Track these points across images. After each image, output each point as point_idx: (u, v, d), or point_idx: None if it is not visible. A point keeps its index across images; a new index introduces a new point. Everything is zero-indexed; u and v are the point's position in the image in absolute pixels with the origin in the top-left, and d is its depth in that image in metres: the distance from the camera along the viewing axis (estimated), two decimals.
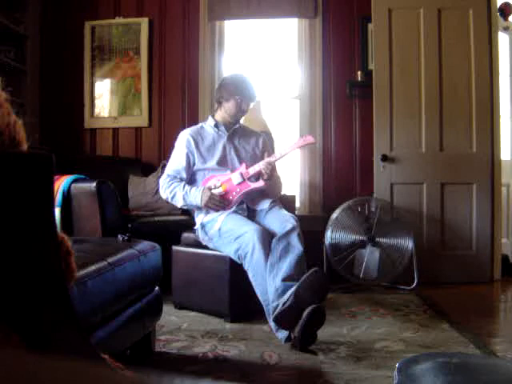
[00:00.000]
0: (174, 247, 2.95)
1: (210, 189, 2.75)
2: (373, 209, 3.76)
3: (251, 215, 2.80)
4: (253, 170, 2.79)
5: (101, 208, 2.94)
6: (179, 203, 2.81)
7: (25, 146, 0.93)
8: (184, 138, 2.93)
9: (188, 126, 4.42)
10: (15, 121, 0.90)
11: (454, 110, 3.87)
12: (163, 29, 4.37)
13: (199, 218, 2.85)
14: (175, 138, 4.38)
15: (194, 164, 2.88)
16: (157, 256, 2.08)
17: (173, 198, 2.81)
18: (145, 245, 2.03)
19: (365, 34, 4.18)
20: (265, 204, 2.83)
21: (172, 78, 4.36)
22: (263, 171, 2.74)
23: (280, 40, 4.44)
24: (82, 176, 3.09)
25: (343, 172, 4.21)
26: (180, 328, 2.54)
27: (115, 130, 4.41)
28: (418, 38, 3.87)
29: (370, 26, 4.03)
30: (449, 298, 3.34)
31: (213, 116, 3.01)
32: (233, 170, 2.83)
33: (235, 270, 2.70)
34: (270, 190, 2.88)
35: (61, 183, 2.97)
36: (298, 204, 4.20)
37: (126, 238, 2.03)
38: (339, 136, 4.25)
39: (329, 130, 4.25)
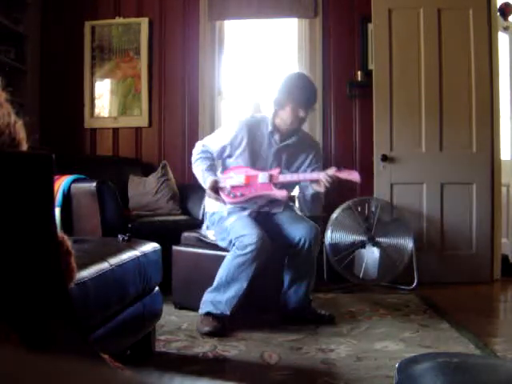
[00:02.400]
0: (174, 247, 2.95)
1: (217, 182, 2.64)
2: (373, 209, 3.76)
3: (261, 218, 2.73)
4: (283, 177, 2.64)
5: (101, 208, 2.94)
6: (197, 177, 2.75)
7: (25, 146, 0.93)
8: (237, 129, 2.69)
9: (188, 126, 4.46)
10: (15, 121, 0.90)
11: (454, 110, 3.87)
12: (163, 29, 4.36)
13: (214, 206, 2.77)
14: (175, 138, 4.41)
15: (229, 156, 2.74)
16: (157, 256, 2.08)
17: (195, 169, 2.75)
18: (145, 245, 2.03)
19: (365, 34, 4.18)
20: (279, 208, 2.78)
21: (172, 78, 4.36)
22: (324, 181, 2.53)
23: (280, 40, 4.44)
24: (82, 176, 3.09)
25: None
26: (180, 328, 2.54)
27: (115, 130, 4.41)
28: (417, 38, 3.87)
29: (370, 26, 4.03)
30: (449, 298, 3.34)
31: (273, 118, 2.73)
32: (264, 170, 2.69)
33: None
34: (307, 204, 2.83)
35: (61, 183, 2.97)
36: (297, 204, 4.19)
37: (126, 238, 2.03)
38: (339, 136, 4.25)
39: (329, 129, 4.25)
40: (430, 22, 3.86)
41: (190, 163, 4.31)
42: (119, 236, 2.05)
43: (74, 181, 3.01)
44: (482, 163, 3.84)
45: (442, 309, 2.98)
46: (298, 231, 2.65)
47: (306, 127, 4.26)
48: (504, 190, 4.19)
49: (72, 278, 1.00)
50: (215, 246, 2.81)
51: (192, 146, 4.34)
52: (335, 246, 3.69)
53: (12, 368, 0.26)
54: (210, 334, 2.39)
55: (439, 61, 3.86)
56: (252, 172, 2.66)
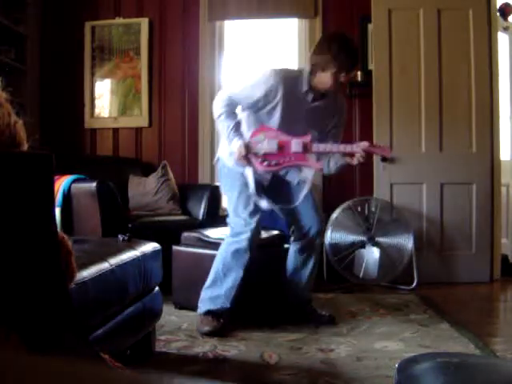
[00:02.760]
0: (174, 247, 2.95)
1: (247, 146, 2.47)
2: (373, 209, 3.76)
3: (274, 185, 2.66)
4: (317, 148, 2.47)
5: (101, 208, 2.94)
6: (221, 133, 2.60)
7: (25, 146, 0.93)
8: (274, 81, 2.47)
9: (188, 126, 4.46)
10: (15, 121, 0.90)
11: (454, 110, 3.87)
12: (163, 29, 4.36)
13: (229, 160, 2.63)
14: (175, 138, 4.41)
15: (259, 109, 2.53)
16: (157, 256, 2.08)
17: (219, 123, 2.56)
18: (145, 245, 2.03)
19: (365, 34, 4.17)
20: (295, 178, 2.68)
21: (172, 78, 4.36)
22: (359, 156, 2.41)
23: (280, 40, 4.44)
24: (82, 176, 3.09)
25: (343, 172, 4.20)
26: (180, 328, 2.54)
27: (115, 130, 4.41)
28: (417, 38, 3.87)
29: (370, 26, 4.03)
30: (449, 298, 3.34)
31: (310, 77, 2.51)
32: (294, 135, 2.50)
33: None
34: (331, 169, 2.64)
35: (61, 183, 2.97)
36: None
37: (126, 238, 2.03)
38: None
39: None
40: (430, 22, 3.86)
41: (189, 163, 4.35)
42: (119, 236, 2.05)
43: (74, 181, 3.01)
44: (481, 163, 3.84)
45: (441, 309, 2.98)
46: (309, 220, 2.67)
47: None
48: (504, 189, 4.19)
49: (72, 277, 1.00)
50: (215, 246, 2.81)
51: (192, 145, 4.39)
52: (335, 246, 3.69)
53: (12, 368, 0.26)
54: (211, 334, 2.39)
55: (439, 61, 3.86)
56: (284, 138, 2.48)
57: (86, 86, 4.40)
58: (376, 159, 3.85)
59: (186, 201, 3.85)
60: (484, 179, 3.85)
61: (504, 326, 2.88)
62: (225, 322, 2.49)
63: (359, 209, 3.77)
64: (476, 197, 3.86)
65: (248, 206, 2.55)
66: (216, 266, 2.57)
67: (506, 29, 4.25)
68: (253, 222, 2.52)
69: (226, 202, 2.75)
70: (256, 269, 2.82)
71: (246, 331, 2.49)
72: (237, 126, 2.50)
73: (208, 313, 2.50)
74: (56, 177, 2.92)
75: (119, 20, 4.38)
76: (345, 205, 3.78)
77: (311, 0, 4.19)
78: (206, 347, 2.23)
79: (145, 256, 1.94)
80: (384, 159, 3.83)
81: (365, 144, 2.43)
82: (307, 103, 2.54)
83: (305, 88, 2.51)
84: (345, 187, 4.17)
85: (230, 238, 2.57)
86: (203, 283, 2.80)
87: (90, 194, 2.96)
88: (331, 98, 2.61)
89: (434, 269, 3.79)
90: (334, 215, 3.77)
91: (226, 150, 2.62)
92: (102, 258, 1.64)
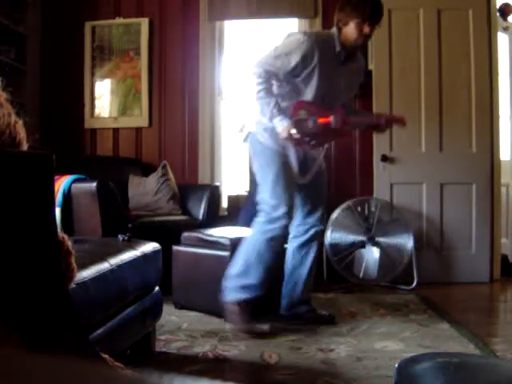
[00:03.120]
0: (174, 247, 2.95)
1: (295, 123, 2.39)
2: (373, 209, 3.76)
3: (304, 161, 2.62)
4: (352, 121, 2.52)
5: (101, 208, 2.94)
6: (262, 110, 2.45)
7: (25, 146, 0.93)
8: (309, 44, 2.39)
9: (188, 126, 4.46)
10: (16, 121, 0.90)
11: (454, 110, 3.87)
12: (163, 29, 4.36)
13: (263, 136, 2.55)
14: (175, 138, 4.41)
15: (296, 75, 2.44)
16: (157, 256, 2.08)
17: (258, 100, 2.43)
18: (145, 245, 2.03)
19: None
20: (321, 153, 2.69)
21: (172, 78, 4.36)
22: (384, 127, 2.57)
23: (280, 40, 4.43)
24: (82, 176, 3.09)
25: (343, 172, 4.21)
26: (180, 328, 2.54)
27: (115, 130, 4.41)
28: (417, 38, 3.87)
29: None
30: (449, 298, 3.34)
31: (338, 37, 2.48)
32: (329, 109, 2.45)
33: None
34: (355, 126, 2.77)
35: (61, 183, 2.97)
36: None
37: (126, 238, 2.03)
38: None
39: None
40: (430, 22, 3.86)
41: (189, 163, 4.35)
42: (119, 236, 2.05)
43: (74, 181, 3.01)
44: (481, 163, 3.84)
45: (441, 309, 2.98)
46: (312, 218, 2.66)
47: None
48: (504, 190, 4.19)
49: (72, 277, 1.00)
50: (215, 246, 2.81)
51: (192, 145, 4.39)
52: (335, 246, 3.69)
53: (12, 368, 0.26)
54: (257, 335, 2.36)
55: (439, 61, 3.86)
56: (324, 113, 2.43)
57: (86, 86, 4.40)
58: (376, 159, 3.85)
59: (186, 201, 3.85)
60: (484, 179, 3.85)
61: (504, 326, 2.87)
62: (254, 313, 2.48)
63: (359, 209, 3.77)
64: (476, 197, 3.86)
65: (287, 189, 2.47)
66: (247, 255, 2.48)
67: (505, 29, 4.25)
68: (290, 208, 2.46)
69: (259, 182, 2.58)
70: None
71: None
72: (279, 105, 2.41)
73: (239, 302, 2.45)
74: (56, 177, 2.92)
75: (119, 20, 4.38)
76: (345, 205, 3.78)
77: (311, 0, 4.19)
78: (205, 347, 2.23)
79: (145, 256, 1.94)
80: (384, 158, 3.83)
81: (386, 116, 2.58)
82: (340, 65, 2.50)
83: (338, 48, 2.46)
84: (345, 187, 4.17)
85: (264, 224, 2.46)
86: (203, 283, 2.80)
87: (90, 193, 2.96)
88: (357, 60, 2.61)
89: (434, 269, 3.79)
90: (334, 215, 3.77)
91: (260, 126, 2.52)
92: (102, 258, 1.64)
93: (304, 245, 2.68)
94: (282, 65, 2.41)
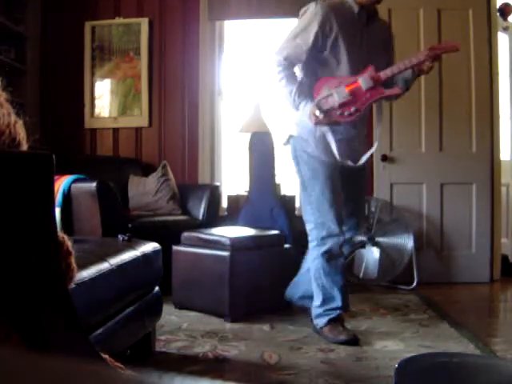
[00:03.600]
0: (174, 247, 2.95)
1: (319, 105, 2.20)
2: (373, 209, 3.76)
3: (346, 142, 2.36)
4: (385, 74, 2.23)
5: (101, 208, 2.94)
6: (286, 101, 2.31)
7: (25, 146, 0.93)
8: (323, 13, 2.25)
9: (188, 126, 4.46)
10: (15, 121, 0.90)
11: (453, 109, 3.87)
12: (163, 29, 4.36)
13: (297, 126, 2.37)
14: (175, 138, 4.41)
15: (321, 50, 2.27)
16: (157, 256, 2.08)
17: (280, 88, 2.29)
18: (145, 245, 2.03)
19: None
20: (361, 160, 2.40)
21: (172, 78, 4.36)
22: (428, 64, 2.21)
23: (280, 40, 4.43)
24: (82, 176, 3.09)
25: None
26: (180, 328, 2.54)
27: (115, 130, 4.41)
28: (417, 38, 3.87)
29: None
30: (449, 298, 3.34)
31: None
32: (358, 73, 2.25)
33: (235, 270, 2.71)
34: (405, 85, 2.40)
35: (61, 183, 2.97)
36: (297, 204, 4.19)
37: (126, 238, 2.03)
38: None
39: None
40: (430, 22, 3.86)
41: (189, 163, 4.35)
42: (119, 236, 2.05)
43: (74, 181, 3.01)
44: (481, 163, 3.84)
45: (441, 309, 2.98)
46: (350, 221, 2.46)
47: None
48: (504, 189, 4.19)
49: (72, 277, 1.00)
50: (215, 246, 2.81)
51: (192, 145, 4.39)
52: None
53: (12, 368, 0.26)
54: (349, 343, 2.29)
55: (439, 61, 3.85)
56: (350, 80, 2.23)
57: (86, 86, 4.40)
58: (376, 159, 3.85)
59: (186, 201, 3.85)
60: (484, 179, 3.85)
61: (504, 326, 2.87)
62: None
63: None
64: (476, 197, 3.86)
65: (334, 204, 2.32)
66: (320, 284, 2.40)
67: (505, 29, 4.25)
68: (339, 224, 2.33)
69: (303, 198, 2.44)
70: (256, 269, 2.82)
71: (246, 331, 2.49)
72: (300, 89, 2.24)
73: (330, 322, 2.39)
74: (56, 177, 2.92)
75: (119, 20, 4.38)
76: None
77: (311, 0, 4.18)
78: (206, 347, 2.23)
79: (145, 256, 1.94)
80: (384, 158, 3.83)
81: (426, 50, 2.25)
82: (365, 27, 2.33)
83: (356, 9, 2.30)
84: None
85: (318, 248, 2.36)
86: (203, 283, 2.80)
87: (90, 194, 2.96)
88: (379, 19, 2.45)
89: (434, 269, 3.79)
90: None
91: (305, 131, 2.34)
92: (102, 258, 1.64)
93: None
94: (303, 42, 2.25)
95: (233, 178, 4.40)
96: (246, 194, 3.75)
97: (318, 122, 2.21)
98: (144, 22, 4.33)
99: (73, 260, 0.99)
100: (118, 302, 1.71)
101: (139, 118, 4.36)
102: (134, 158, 4.34)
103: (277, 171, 3.77)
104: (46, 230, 0.88)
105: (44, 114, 4.37)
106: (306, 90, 2.27)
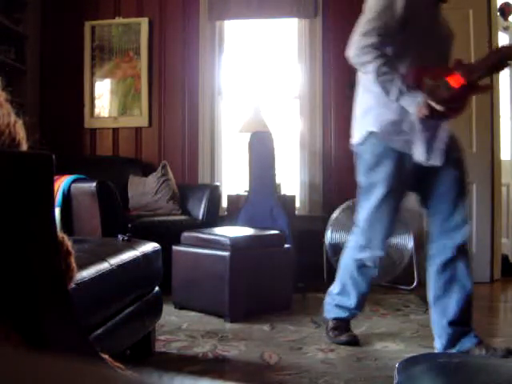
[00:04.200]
0: (174, 247, 2.95)
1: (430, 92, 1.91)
2: None
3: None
4: (473, 68, 1.94)
5: (101, 208, 2.94)
6: (384, 90, 1.98)
7: (25, 146, 0.93)
8: None
9: (188, 126, 4.46)
10: (15, 121, 0.90)
11: None
12: (163, 29, 4.36)
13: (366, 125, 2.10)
14: (175, 138, 4.41)
15: (403, 28, 1.98)
16: (157, 256, 2.08)
17: (379, 78, 1.97)
18: (145, 245, 2.03)
19: None
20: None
21: (172, 77, 4.36)
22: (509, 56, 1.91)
23: (280, 40, 4.44)
24: (82, 176, 3.09)
25: (343, 172, 4.21)
26: (180, 328, 2.54)
27: (115, 130, 4.41)
28: None
29: None
30: None
31: None
32: (448, 68, 1.98)
33: (235, 270, 2.70)
34: None
35: (61, 183, 2.97)
36: (297, 204, 4.20)
37: (126, 238, 2.03)
38: (339, 136, 4.25)
39: (329, 130, 4.24)
40: None
41: (189, 163, 4.35)
42: (119, 236, 2.05)
43: (74, 181, 3.01)
44: (482, 163, 3.84)
45: None
46: (452, 223, 2.13)
47: (306, 127, 4.27)
48: (504, 189, 4.18)
49: (72, 277, 0.99)
50: (215, 246, 2.81)
51: (192, 145, 4.39)
52: (335, 246, 3.69)
53: (12, 368, 0.26)
54: (348, 344, 2.26)
55: None
56: (446, 71, 1.94)
57: (86, 85, 4.40)
58: None
59: (186, 201, 3.85)
60: (484, 179, 3.85)
61: (504, 326, 2.87)
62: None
63: None
64: (476, 197, 3.86)
65: (388, 216, 2.15)
66: (343, 276, 2.33)
67: (506, 29, 4.25)
68: (383, 240, 2.19)
69: (360, 198, 2.27)
70: (256, 269, 2.82)
71: (246, 331, 2.49)
72: (401, 78, 1.94)
73: (336, 319, 2.37)
74: (56, 177, 2.92)
75: (119, 20, 4.38)
76: (345, 205, 3.78)
77: (311, 0, 4.19)
78: (206, 347, 2.23)
79: (145, 256, 1.94)
80: None
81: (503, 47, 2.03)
82: (436, 6, 2.09)
83: None
84: (345, 187, 4.16)
85: (354, 250, 2.25)
86: (203, 283, 2.80)
87: (90, 194, 2.96)
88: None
89: None
90: (334, 215, 3.77)
91: (394, 128, 2.04)
92: (102, 258, 1.64)
93: (447, 265, 2.08)
94: (390, 19, 1.97)
95: (233, 178, 4.40)
96: (246, 193, 3.76)
97: (427, 116, 1.92)
98: (144, 22, 4.33)
99: (73, 260, 0.99)
100: (118, 302, 1.71)
101: (139, 117, 4.36)
102: (134, 158, 4.34)
103: (277, 171, 3.77)
104: (46, 230, 0.88)
105: (44, 114, 4.37)
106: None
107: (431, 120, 1.97)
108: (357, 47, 2.04)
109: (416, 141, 2.03)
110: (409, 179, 2.14)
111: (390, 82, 1.94)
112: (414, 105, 1.92)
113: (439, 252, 2.10)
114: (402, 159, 2.07)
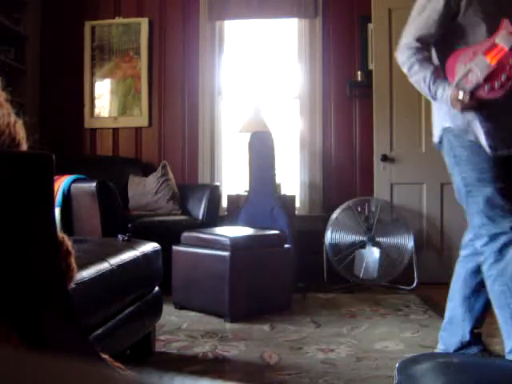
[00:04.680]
0: (174, 247, 2.95)
1: (459, 87, 1.76)
2: (373, 209, 3.76)
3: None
4: None
5: (101, 208, 2.94)
6: (422, 90, 1.91)
7: (25, 146, 0.93)
8: None
9: (188, 126, 4.47)
10: (15, 121, 0.90)
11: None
12: (163, 29, 4.37)
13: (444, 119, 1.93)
14: (175, 138, 4.41)
15: (452, 17, 1.85)
16: (157, 256, 2.08)
17: (413, 77, 1.90)
18: (145, 245, 2.03)
19: (365, 34, 4.18)
20: None
21: (172, 77, 4.36)
22: None
23: (280, 40, 4.44)
24: (82, 176, 3.09)
25: (343, 172, 4.21)
26: (180, 328, 2.54)
27: (115, 130, 4.41)
28: None
29: (370, 26, 4.03)
30: None
31: None
32: (494, 32, 1.77)
33: (235, 270, 2.70)
34: None
35: (61, 183, 2.97)
36: (297, 204, 4.20)
37: (126, 238, 2.03)
38: (339, 136, 4.25)
39: (329, 130, 4.25)
40: None
41: (189, 163, 4.35)
42: (119, 236, 2.05)
43: (74, 181, 3.01)
44: None
45: (442, 309, 2.97)
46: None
47: (306, 127, 4.27)
48: None
49: (72, 277, 0.99)
50: (215, 246, 2.81)
51: (192, 145, 4.39)
52: (335, 246, 3.69)
53: (12, 368, 0.26)
54: None
55: None
56: (485, 45, 1.77)
57: (86, 85, 4.40)
58: (376, 159, 3.85)
59: (186, 201, 3.85)
60: None
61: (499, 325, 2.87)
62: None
63: (359, 209, 3.77)
64: None
65: (504, 197, 1.82)
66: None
67: None
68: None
69: (464, 202, 2.01)
70: (256, 269, 2.83)
71: (246, 331, 2.49)
72: (436, 72, 1.85)
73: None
74: (56, 177, 2.92)
75: (119, 20, 4.38)
76: (345, 205, 3.78)
77: (311, 0, 4.19)
78: (205, 347, 2.23)
79: (145, 256, 1.94)
80: (384, 158, 3.83)
81: None
82: None
83: None
84: (345, 187, 4.17)
85: (493, 266, 1.79)
86: (203, 283, 2.80)
87: (90, 193, 2.96)
88: None
89: (435, 269, 3.79)
90: (334, 215, 3.77)
91: (473, 122, 1.85)
92: (102, 258, 1.64)
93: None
94: (432, 11, 1.88)
95: (233, 178, 4.40)
96: (246, 193, 3.76)
97: (464, 108, 1.78)
98: (144, 22, 4.33)
99: (73, 260, 0.99)
100: (118, 302, 1.71)
101: (139, 117, 4.36)
102: (134, 158, 4.34)
103: (277, 171, 3.77)
104: (46, 230, 0.88)
105: (44, 114, 4.37)
106: (443, 74, 1.86)
107: (479, 109, 1.79)
108: (397, 49, 1.97)
109: (478, 132, 1.84)
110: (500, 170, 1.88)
111: (423, 80, 1.86)
112: (447, 100, 1.80)
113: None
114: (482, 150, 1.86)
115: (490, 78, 1.75)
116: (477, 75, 1.75)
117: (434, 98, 1.87)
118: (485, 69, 1.75)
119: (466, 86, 1.76)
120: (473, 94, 1.76)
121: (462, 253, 2.07)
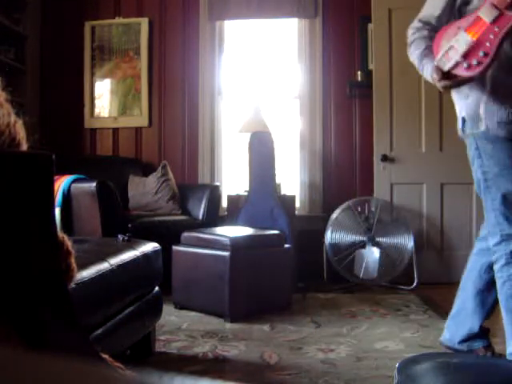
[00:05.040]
0: (174, 247, 2.95)
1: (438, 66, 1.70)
2: (373, 209, 3.76)
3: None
4: None
5: (101, 208, 2.94)
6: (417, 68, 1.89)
7: (25, 146, 0.93)
8: None
9: (188, 126, 4.47)
10: (15, 121, 0.90)
11: (454, 109, 3.85)
12: (163, 29, 4.37)
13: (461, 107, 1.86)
14: (175, 138, 4.41)
15: (464, 4, 1.80)
16: (157, 256, 2.08)
17: (411, 57, 1.95)
18: (145, 245, 2.03)
19: (365, 34, 4.18)
20: None
21: (172, 77, 4.36)
22: None
23: (280, 40, 4.44)
24: (82, 176, 3.09)
25: (343, 172, 4.21)
26: (180, 328, 2.54)
27: (115, 130, 4.41)
28: None
29: (370, 26, 4.03)
30: (449, 298, 3.33)
31: None
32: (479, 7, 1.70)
33: (235, 270, 2.70)
34: None
35: (61, 183, 2.97)
36: (297, 204, 4.20)
37: (126, 238, 2.03)
38: (339, 136, 4.25)
39: (329, 130, 4.25)
40: None
41: (189, 163, 4.35)
42: (119, 236, 2.05)
43: (74, 181, 3.01)
44: None
45: (442, 309, 2.98)
46: None
47: (306, 127, 4.27)
48: None
49: (72, 277, 0.99)
50: (215, 246, 2.81)
51: (192, 145, 4.39)
52: (335, 246, 3.69)
53: (12, 368, 0.26)
54: None
55: None
56: (469, 19, 1.70)
57: (86, 85, 4.40)
58: (376, 159, 3.85)
59: (186, 201, 3.85)
60: None
61: (504, 326, 2.87)
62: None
63: (359, 209, 3.77)
64: (476, 197, 3.85)
65: None
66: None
67: None
68: None
69: (482, 196, 1.95)
70: (256, 269, 2.83)
71: (246, 331, 2.49)
72: (426, 49, 1.82)
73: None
74: (56, 177, 2.92)
75: (119, 20, 4.38)
76: (345, 205, 3.78)
77: (311, 0, 4.19)
78: (205, 347, 2.23)
79: (145, 256, 1.94)
80: (384, 158, 3.83)
81: None
82: None
83: None
84: (345, 187, 4.17)
85: (505, 268, 1.77)
86: (203, 283, 2.80)
87: (90, 193, 2.96)
88: None
89: (434, 269, 3.79)
90: (334, 215, 3.77)
91: (462, 93, 1.80)
92: (102, 258, 1.64)
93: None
94: (436, 4, 1.88)
95: (233, 178, 4.40)
96: (245, 193, 3.76)
97: (444, 87, 1.73)
98: (144, 22, 4.33)
99: (73, 260, 0.99)
100: (118, 302, 1.71)
101: (139, 117, 4.36)
102: (134, 158, 4.34)
103: (277, 171, 3.77)
104: (46, 230, 0.88)
105: (44, 114, 4.37)
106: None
107: (458, 87, 1.74)
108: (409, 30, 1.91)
109: (489, 121, 1.78)
110: None
111: (416, 59, 1.84)
112: (430, 78, 1.74)
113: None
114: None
115: (469, 54, 1.66)
116: (457, 51, 1.67)
117: (422, 71, 1.81)
118: (464, 45, 1.66)
119: (446, 64, 1.69)
120: (450, 73, 1.68)
121: (477, 245, 2.03)
